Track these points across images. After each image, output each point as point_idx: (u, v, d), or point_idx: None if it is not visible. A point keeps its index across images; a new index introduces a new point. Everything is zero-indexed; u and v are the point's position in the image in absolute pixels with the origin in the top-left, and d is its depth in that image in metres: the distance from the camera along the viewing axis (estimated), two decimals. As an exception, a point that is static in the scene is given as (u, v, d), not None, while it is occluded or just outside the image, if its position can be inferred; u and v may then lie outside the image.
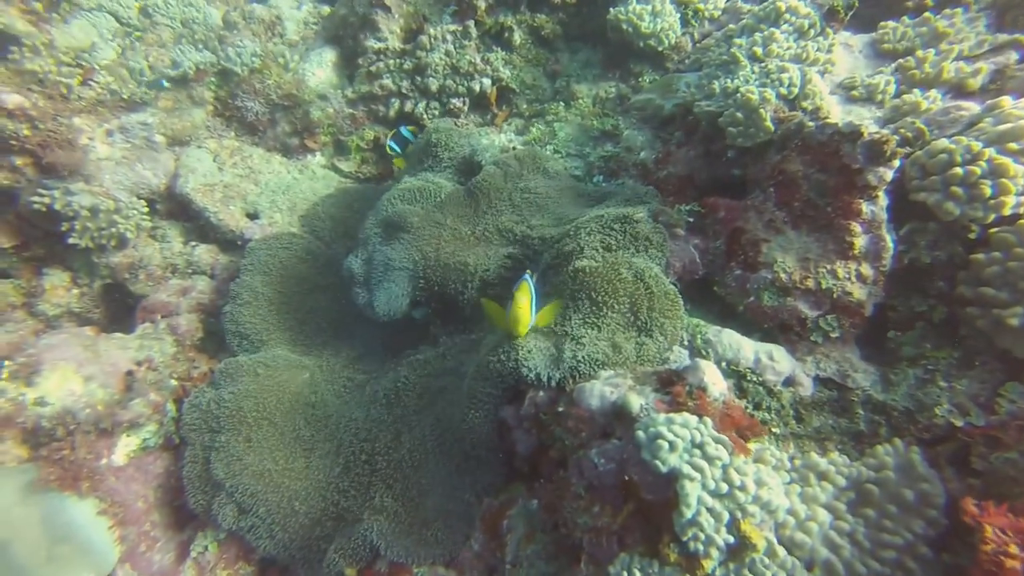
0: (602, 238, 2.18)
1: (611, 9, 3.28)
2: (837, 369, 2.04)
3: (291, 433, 2.44)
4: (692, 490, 1.40)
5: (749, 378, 1.92)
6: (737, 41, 2.82)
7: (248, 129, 3.69)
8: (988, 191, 1.81)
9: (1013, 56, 2.28)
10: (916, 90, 2.30)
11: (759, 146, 2.30)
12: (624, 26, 3.26)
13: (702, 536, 1.40)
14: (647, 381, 1.71)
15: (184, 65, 3.36)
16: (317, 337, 2.98)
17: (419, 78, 3.55)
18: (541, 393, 1.84)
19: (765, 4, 2.84)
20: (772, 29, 2.68)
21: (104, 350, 2.59)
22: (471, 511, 2.01)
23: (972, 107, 2.08)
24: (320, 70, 3.81)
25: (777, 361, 1.97)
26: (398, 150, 3.30)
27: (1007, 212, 1.82)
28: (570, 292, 2.03)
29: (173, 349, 2.78)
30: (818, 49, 2.57)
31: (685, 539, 1.41)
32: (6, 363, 2.37)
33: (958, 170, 1.86)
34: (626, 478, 1.51)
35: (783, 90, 2.35)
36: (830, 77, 2.55)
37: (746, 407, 1.84)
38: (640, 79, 3.36)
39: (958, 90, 2.28)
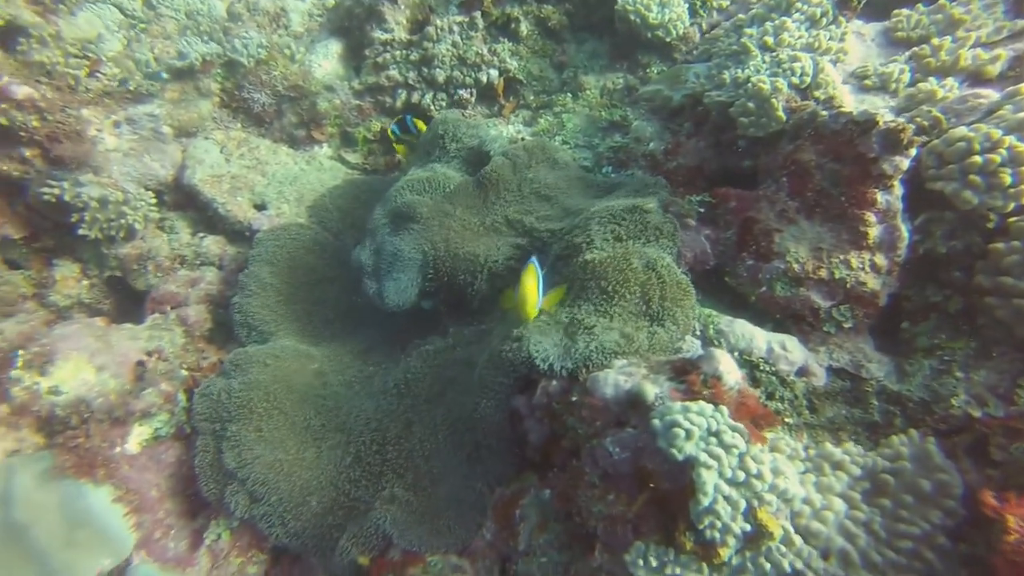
0: (612, 228, 2.16)
1: (618, -1, 3.25)
2: (850, 359, 2.03)
3: (301, 423, 2.44)
4: (709, 478, 1.40)
5: (762, 368, 1.91)
6: (748, 31, 2.78)
7: (255, 120, 3.68)
8: (1008, 179, 1.79)
9: (1032, 43, 2.25)
10: (932, 78, 2.27)
11: (771, 136, 2.28)
12: (632, 16, 3.23)
13: (719, 524, 1.40)
14: (661, 370, 1.71)
15: (191, 56, 3.35)
16: (325, 328, 2.98)
17: (426, 69, 3.53)
18: (554, 382, 1.83)
19: (776, -7, 2.80)
20: (783, 18, 2.64)
21: (115, 340, 2.60)
22: (483, 500, 2.01)
23: (991, 94, 2.05)
24: (326, 61, 3.79)
25: (790, 351, 1.96)
26: (398, 132, 3.28)
27: (1027, 200, 1.80)
28: (581, 282, 2.02)
29: (183, 340, 2.79)
30: (830, 38, 2.53)
31: (701, 527, 1.41)
32: (20, 352, 2.38)
33: (977, 158, 1.84)
34: (641, 466, 1.51)
35: (795, 79, 2.32)
36: (842, 66, 2.51)
37: (759, 397, 1.84)
38: (648, 70, 3.34)
39: (975, 78, 2.24)
